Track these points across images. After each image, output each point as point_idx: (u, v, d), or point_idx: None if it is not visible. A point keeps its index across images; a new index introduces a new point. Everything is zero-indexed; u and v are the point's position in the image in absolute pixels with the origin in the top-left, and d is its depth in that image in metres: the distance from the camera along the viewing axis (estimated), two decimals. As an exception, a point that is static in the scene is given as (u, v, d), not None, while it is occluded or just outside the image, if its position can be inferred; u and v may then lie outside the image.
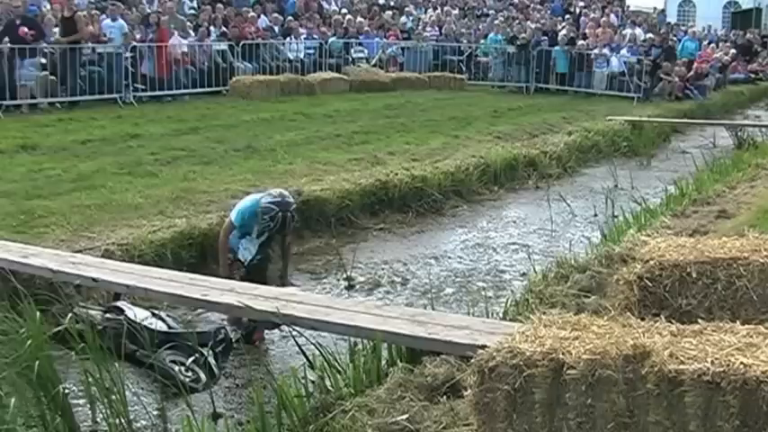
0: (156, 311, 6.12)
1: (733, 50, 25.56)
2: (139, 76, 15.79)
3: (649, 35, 23.36)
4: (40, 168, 10.07)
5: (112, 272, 6.08)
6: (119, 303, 6.16)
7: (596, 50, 20.69)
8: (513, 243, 9.17)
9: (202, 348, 5.58)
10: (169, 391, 5.08)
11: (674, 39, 23.62)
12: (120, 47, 15.53)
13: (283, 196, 6.48)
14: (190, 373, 5.42)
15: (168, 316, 6.18)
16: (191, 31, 17.73)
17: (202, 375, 5.45)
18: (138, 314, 5.94)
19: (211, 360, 5.57)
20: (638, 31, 23.93)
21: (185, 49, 16.72)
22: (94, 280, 5.94)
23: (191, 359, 5.48)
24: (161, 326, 5.92)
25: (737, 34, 29.35)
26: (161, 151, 11.33)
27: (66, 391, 4.85)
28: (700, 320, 3.50)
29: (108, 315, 6.04)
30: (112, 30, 15.96)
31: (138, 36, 16.38)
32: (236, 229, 6.44)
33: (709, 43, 23.76)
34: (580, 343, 3.22)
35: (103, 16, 16.36)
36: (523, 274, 7.77)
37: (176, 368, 5.40)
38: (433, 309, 5.85)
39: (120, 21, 16.23)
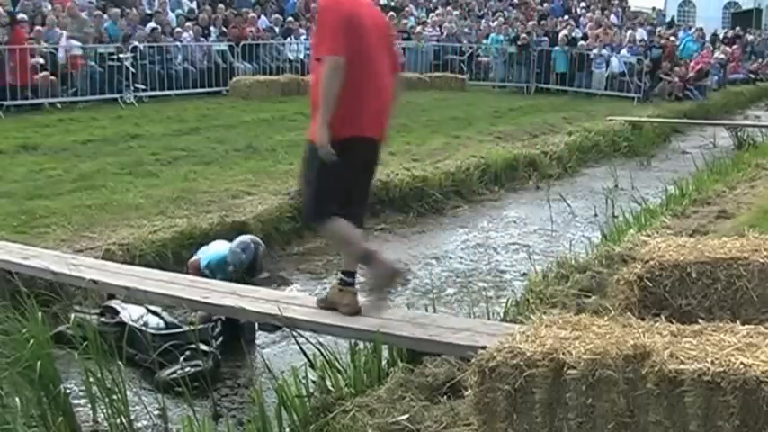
0: (151, 307, 6.09)
1: (728, 50, 25.55)
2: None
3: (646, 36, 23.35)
4: (40, 168, 10.08)
5: (113, 274, 6.07)
6: (112, 303, 6.13)
7: (595, 51, 20.69)
8: (514, 243, 9.17)
9: (204, 344, 5.58)
10: (171, 391, 5.09)
11: (667, 36, 23.56)
12: None
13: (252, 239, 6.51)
14: (189, 369, 5.40)
15: (163, 310, 6.16)
16: (189, 32, 17.69)
17: (202, 363, 5.43)
18: (132, 313, 5.93)
19: (215, 350, 5.58)
20: (638, 31, 23.91)
21: (78, 52, 15.32)
22: (95, 282, 5.93)
23: (182, 357, 5.45)
24: (158, 322, 5.90)
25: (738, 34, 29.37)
26: (162, 151, 11.33)
27: (68, 390, 4.86)
28: (700, 320, 3.50)
29: (103, 319, 6.01)
30: None
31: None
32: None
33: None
34: (580, 343, 3.22)
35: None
36: (524, 274, 7.76)
37: (176, 374, 5.37)
38: (435, 309, 5.85)
39: None
